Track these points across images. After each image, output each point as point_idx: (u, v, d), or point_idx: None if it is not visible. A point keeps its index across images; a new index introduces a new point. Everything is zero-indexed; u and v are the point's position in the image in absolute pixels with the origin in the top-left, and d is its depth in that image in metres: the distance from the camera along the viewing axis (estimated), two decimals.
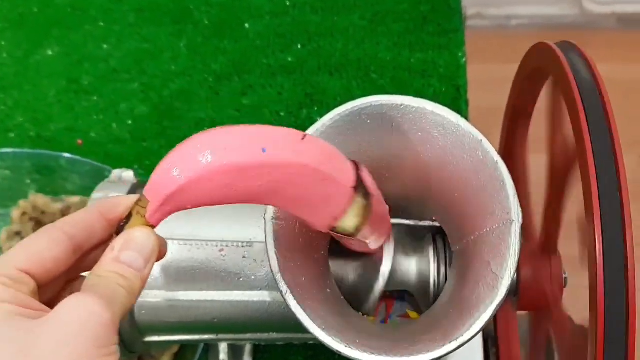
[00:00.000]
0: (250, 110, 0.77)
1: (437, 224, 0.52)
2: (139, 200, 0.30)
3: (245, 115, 0.77)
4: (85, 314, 0.26)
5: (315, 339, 0.40)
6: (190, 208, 0.30)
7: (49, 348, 0.25)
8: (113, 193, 0.52)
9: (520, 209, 0.43)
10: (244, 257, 0.50)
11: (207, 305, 0.50)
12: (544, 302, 0.50)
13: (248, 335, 0.53)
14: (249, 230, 0.51)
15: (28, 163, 0.72)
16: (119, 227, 0.30)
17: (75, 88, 0.79)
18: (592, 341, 0.37)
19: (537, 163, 0.57)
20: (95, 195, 0.52)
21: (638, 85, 1.37)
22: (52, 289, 0.31)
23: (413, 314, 0.56)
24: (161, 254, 0.32)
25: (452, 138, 0.46)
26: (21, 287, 0.28)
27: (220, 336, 0.53)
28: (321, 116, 0.78)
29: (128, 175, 0.55)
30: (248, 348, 0.58)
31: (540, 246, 0.52)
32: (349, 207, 0.35)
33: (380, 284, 0.49)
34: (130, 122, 0.77)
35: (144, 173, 0.74)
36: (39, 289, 0.29)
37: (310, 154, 0.32)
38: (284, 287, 0.42)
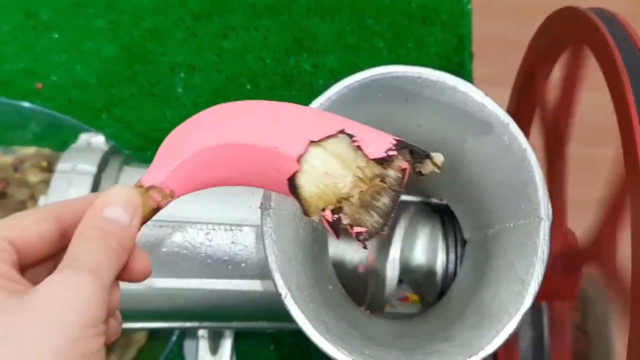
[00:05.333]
0: (231, 55, 0.69)
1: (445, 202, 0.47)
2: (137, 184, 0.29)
3: (225, 61, 0.69)
4: (66, 291, 0.24)
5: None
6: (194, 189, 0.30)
7: (28, 334, 0.22)
8: (81, 163, 0.45)
9: (550, 206, 0.38)
10: (232, 242, 0.44)
11: (189, 295, 0.45)
12: (554, 295, 0.46)
13: (234, 324, 0.49)
14: (238, 211, 0.45)
15: None
16: None
17: (33, 23, 0.70)
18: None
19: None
20: (62, 166, 0.45)
21: None
22: (38, 274, 0.28)
23: (413, 297, 0.52)
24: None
25: (475, 118, 0.41)
26: (4, 256, 0.25)
27: (204, 324, 0.48)
28: (311, 65, 0.72)
29: (98, 140, 0.48)
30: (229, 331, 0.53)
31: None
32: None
33: (391, 272, 0.44)
34: (96, 64, 0.69)
35: (112, 124, 0.67)
36: (23, 271, 0.26)
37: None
38: (283, 290, 0.37)
